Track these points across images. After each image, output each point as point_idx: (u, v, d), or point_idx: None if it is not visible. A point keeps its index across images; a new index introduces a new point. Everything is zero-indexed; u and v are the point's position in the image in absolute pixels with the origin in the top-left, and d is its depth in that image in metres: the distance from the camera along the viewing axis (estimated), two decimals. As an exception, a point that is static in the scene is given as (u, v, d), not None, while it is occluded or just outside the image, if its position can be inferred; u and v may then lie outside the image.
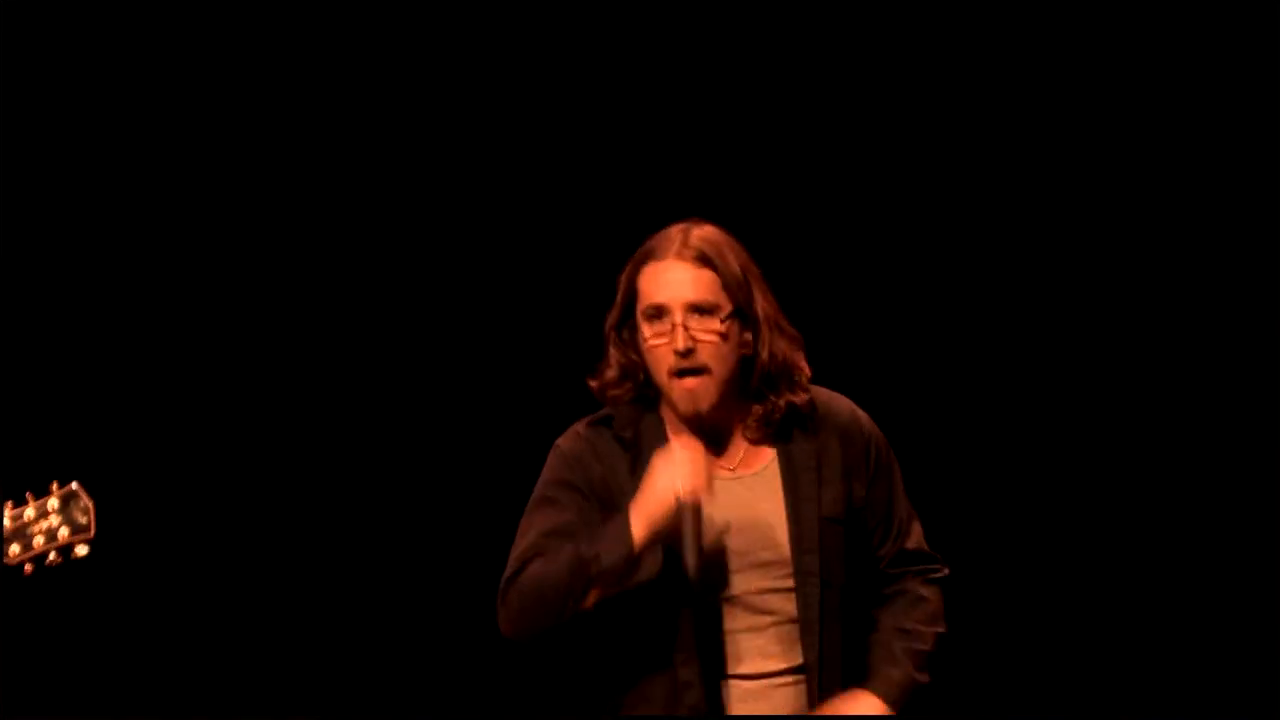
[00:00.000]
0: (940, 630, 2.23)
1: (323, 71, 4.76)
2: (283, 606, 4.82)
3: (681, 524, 2.07)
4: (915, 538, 2.27)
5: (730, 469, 2.17)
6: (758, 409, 2.17)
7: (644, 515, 2.08)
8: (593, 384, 2.23)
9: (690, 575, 2.07)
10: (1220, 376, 4.85)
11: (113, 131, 4.90)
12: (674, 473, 2.08)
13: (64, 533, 2.47)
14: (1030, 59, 4.55)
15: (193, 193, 4.86)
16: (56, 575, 4.07)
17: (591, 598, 2.09)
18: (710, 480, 2.09)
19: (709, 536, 2.11)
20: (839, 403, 2.25)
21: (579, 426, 2.23)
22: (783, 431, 2.19)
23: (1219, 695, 4.16)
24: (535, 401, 4.23)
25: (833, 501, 2.17)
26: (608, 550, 2.08)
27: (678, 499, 2.07)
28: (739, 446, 2.19)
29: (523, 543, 2.16)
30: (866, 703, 2.15)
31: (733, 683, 2.15)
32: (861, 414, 2.26)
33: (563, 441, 2.22)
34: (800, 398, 2.17)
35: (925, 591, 2.25)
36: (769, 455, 2.18)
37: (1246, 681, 4.03)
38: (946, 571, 2.30)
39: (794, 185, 4.18)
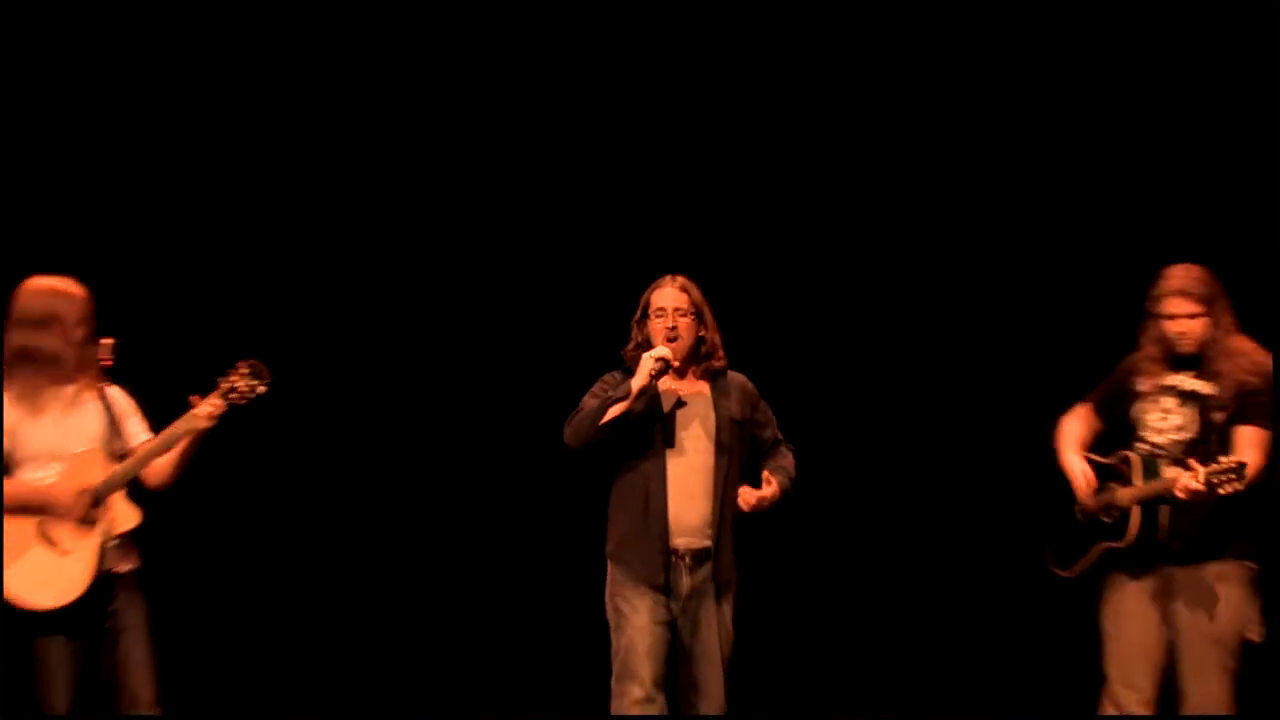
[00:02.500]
0: (794, 476, 4.31)
1: (331, 90, 5.65)
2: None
3: (654, 366, 4.11)
4: (779, 434, 4.38)
5: (685, 394, 4.24)
6: (701, 365, 4.28)
7: (638, 374, 4.14)
8: (623, 352, 4.30)
9: (663, 419, 4.15)
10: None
11: (125, 136, 5.61)
12: (650, 352, 4.15)
13: (255, 383, 4.02)
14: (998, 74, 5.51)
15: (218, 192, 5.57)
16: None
17: (607, 417, 4.13)
18: (669, 353, 4.14)
19: (669, 396, 4.18)
20: (741, 376, 4.36)
21: (616, 371, 4.30)
22: (711, 379, 4.29)
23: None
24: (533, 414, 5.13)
25: (738, 412, 4.26)
26: (619, 392, 4.16)
27: (650, 358, 4.11)
28: (690, 382, 4.28)
29: (582, 401, 4.24)
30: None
31: (678, 534, 4.17)
32: (750, 384, 4.35)
33: (606, 375, 4.31)
34: (721, 363, 4.29)
35: (788, 453, 4.37)
36: (705, 389, 4.28)
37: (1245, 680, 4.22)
38: (794, 448, 4.38)
39: (724, 257, 5.41)
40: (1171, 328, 4.17)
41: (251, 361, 4.05)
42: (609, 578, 4.26)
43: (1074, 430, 4.40)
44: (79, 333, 4.17)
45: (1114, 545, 4.18)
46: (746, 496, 4.19)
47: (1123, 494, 4.19)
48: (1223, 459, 4.02)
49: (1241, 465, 3.93)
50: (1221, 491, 3.95)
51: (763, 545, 4.55)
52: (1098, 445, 4.38)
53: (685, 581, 4.18)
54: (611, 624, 4.23)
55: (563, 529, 5.29)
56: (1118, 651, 4.22)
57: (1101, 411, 4.41)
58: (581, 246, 5.69)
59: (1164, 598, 4.17)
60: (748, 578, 4.37)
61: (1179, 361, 4.21)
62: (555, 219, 5.71)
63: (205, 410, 4.03)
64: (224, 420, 4.06)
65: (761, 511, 4.23)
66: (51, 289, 4.18)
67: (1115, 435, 4.35)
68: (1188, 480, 3.97)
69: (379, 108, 5.64)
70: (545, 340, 5.57)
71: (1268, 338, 4.22)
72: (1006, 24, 5.47)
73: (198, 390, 4.09)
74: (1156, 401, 4.23)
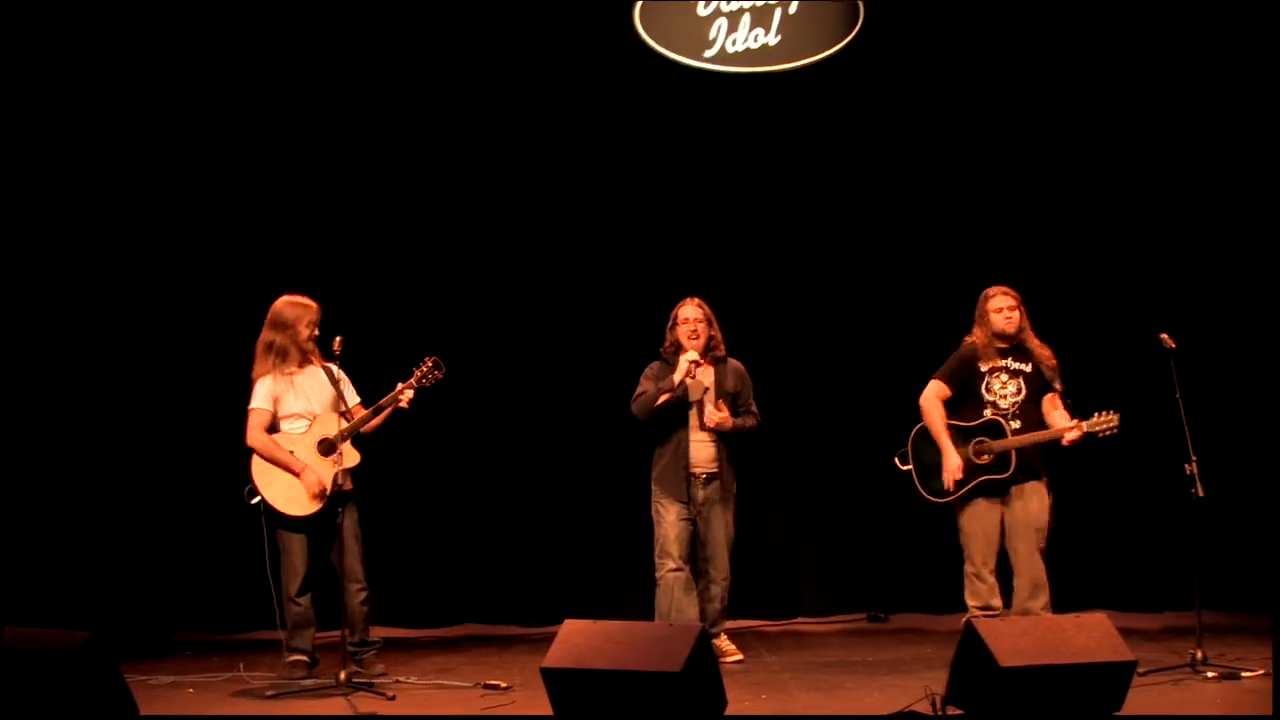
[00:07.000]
0: (747, 425, 6.38)
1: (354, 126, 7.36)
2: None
3: (689, 368, 6.24)
4: (754, 405, 6.49)
5: (700, 368, 6.36)
6: (709, 355, 6.42)
7: (678, 371, 6.28)
8: (661, 349, 6.44)
9: (690, 400, 6.31)
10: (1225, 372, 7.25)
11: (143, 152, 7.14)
12: (685, 354, 6.25)
13: (437, 373, 5.67)
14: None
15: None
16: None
17: (659, 400, 6.28)
18: (699, 356, 6.26)
19: (695, 385, 6.31)
20: (737, 361, 6.51)
21: (656, 361, 6.47)
22: (716, 364, 6.46)
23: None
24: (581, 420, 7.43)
25: (731, 387, 6.44)
26: (665, 383, 6.30)
27: (686, 361, 6.24)
28: (704, 366, 6.42)
29: (640, 388, 6.36)
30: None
31: (694, 466, 6.33)
32: (742, 367, 6.49)
33: (651, 364, 6.44)
34: (722, 352, 6.46)
35: (751, 417, 6.45)
36: (712, 371, 6.46)
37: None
38: (759, 416, 6.48)
39: (730, 280, 7.46)
40: (1000, 317, 6.07)
41: (435, 358, 5.66)
42: (652, 494, 6.44)
43: (938, 410, 6.16)
44: (308, 332, 5.66)
45: (995, 476, 5.99)
46: (711, 415, 6.25)
47: (998, 444, 5.98)
48: (1100, 414, 5.71)
49: (1117, 416, 5.66)
50: (1100, 436, 5.71)
51: (756, 472, 6.75)
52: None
53: (700, 494, 6.32)
54: (654, 521, 6.43)
55: (623, 465, 7.20)
56: (973, 541, 6.09)
57: (951, 384, 6.21)
58: (637, 281, 7.74)
59: (1002, 505, 6.09)
60: (745, 492, 6.53)
61: (1004, 351, 6.16)
62: (626, 267, 7.84)
63: (407, 392, 5.60)
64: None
65: (724, 430, 6.24)
66: (290, 301, 5.73)
67: (958, 398, 6.19)
68: (1073, 432, 5.80)
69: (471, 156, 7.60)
70: (618, 339, 7.46)
71: (1266, 336, 5.38)
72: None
73: (392, 373, 5.63)
74: (996, 376, 6.18)
